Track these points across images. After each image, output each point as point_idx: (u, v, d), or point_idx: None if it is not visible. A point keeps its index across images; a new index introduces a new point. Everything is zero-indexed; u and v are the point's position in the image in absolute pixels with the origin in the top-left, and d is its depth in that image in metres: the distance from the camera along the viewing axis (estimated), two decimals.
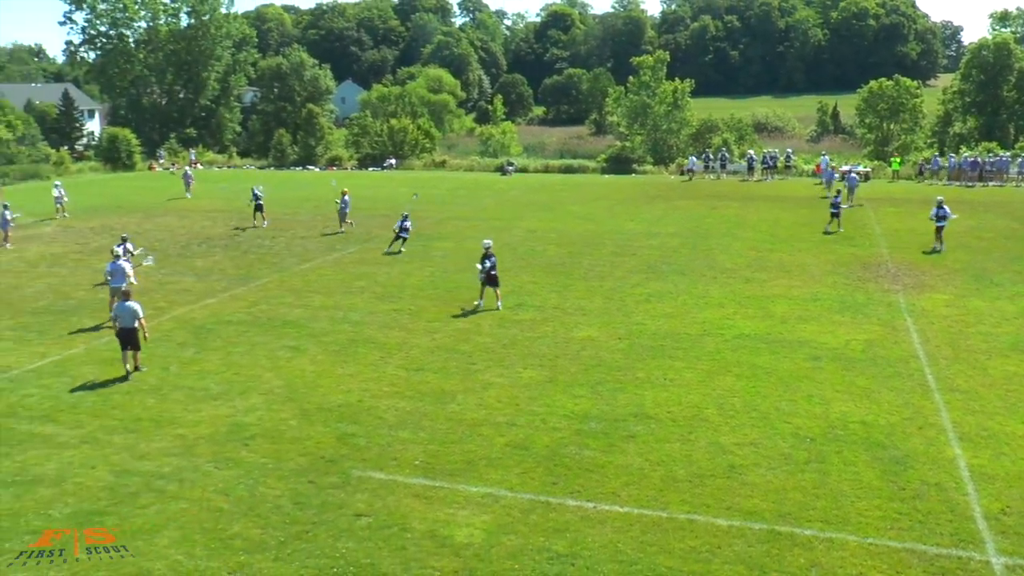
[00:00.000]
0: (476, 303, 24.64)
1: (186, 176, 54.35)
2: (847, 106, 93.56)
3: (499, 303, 24.42)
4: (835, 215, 37.00)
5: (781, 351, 20.48)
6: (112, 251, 25.73)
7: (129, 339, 19.13)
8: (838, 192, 40.47)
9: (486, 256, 24.07)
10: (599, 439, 15.60)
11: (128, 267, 23.80)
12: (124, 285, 21.48)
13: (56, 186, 46.93)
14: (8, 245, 36.56)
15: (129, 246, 26.70)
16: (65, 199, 45.42)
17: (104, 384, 18.92)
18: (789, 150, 66.20)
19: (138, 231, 39.58)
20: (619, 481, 13.99)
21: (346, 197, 39.49)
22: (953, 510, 12.93)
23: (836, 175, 53.42)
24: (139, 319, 18.96)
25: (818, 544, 12.03)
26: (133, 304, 19.06)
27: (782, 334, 21.85)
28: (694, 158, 64.44)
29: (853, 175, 49.40)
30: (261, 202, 40.93)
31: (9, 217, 37.30)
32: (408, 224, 33.92)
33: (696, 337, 21.66)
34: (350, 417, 16.79)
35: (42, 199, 47.23)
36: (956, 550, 11.86)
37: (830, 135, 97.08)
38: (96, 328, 23.34)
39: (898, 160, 62.29)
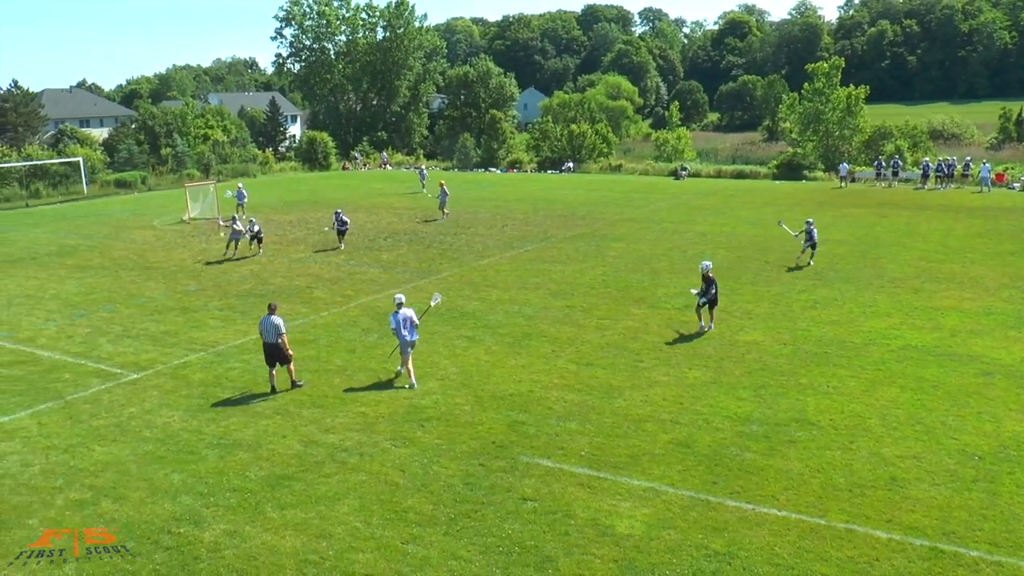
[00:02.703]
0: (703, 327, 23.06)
1: (421, 172, 58.42)
2: None
3: (711, 324, 22.99)
4: None
5: (950, 365, 19.91)
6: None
7: (274, 355, 18.54)
8: None
9: (706, 279, 22.70)
10: (760, 442, 15.75)
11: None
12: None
13: (239, 187, 47.90)
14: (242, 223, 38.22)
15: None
16: (246, 199, 46.84)
17: (295, 363, 20.34)
18: (968, 158, 63.06)
19: (330, 224, 42.03)
20: (778, 485, 14.09)
21: (445, 189, 43.49)
22: None
23: (990, 177, 54.81)
24: (281, 335, 18.38)
25: (985, 567, 11.71)
26: (276, 319, 18.42)
27: (951, 347, 21.21)
28: (845, 164, 62.43)
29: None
30: (344, 227, 37.66)
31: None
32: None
33: (861, 346, 21.36)
34: (521, 406, 17.55)
35: (249, 195, 50.28)
36: None
37: (1013, 143, 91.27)
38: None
39: None
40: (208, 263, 33.43)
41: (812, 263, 30.93)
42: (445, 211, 44.04)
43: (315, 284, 29.53)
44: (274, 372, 18.67)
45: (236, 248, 34.87)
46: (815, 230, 31.21)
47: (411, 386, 18.81)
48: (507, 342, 22.05)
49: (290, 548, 12.34)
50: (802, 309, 25.00)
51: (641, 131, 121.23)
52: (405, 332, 18.69)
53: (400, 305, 18.91)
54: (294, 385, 18.79)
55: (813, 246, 31.21)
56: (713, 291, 22.36)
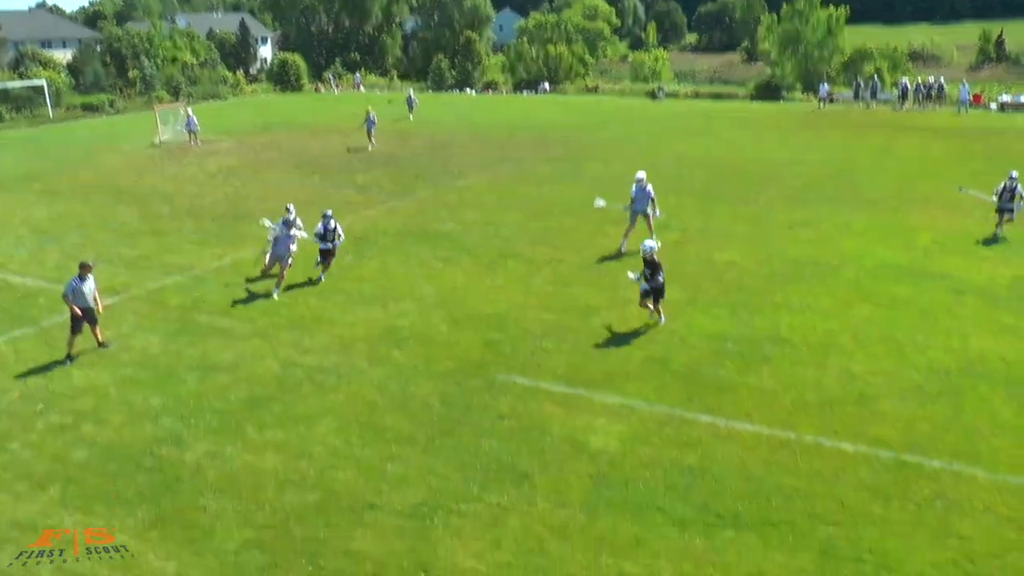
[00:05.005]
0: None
1: (410, 99, 55.42)
2: (1014, 32, 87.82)
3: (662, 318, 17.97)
4: None
5: (922, 283, 20.18)
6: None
7: (86, 318, 16.58)
8: None
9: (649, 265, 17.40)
10: (735, 359, 16.00)
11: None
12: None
13: (188, 114, 45.49)
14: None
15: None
16: (197, 127, 44.63)
17: (272, 285, 20.38)
18: (942, 79, 63.17)
19: (304, 147, 41.86)
20: (751, 401, 14.38)
21: (372, 116, 41.67)
22: None
23: (968, 98, 54.66)
24: (97, 298, 16.71)
25: (945, 476, 12.05)
26: (91, 281, 16.59)
27: (924, 266, 21.49)
28: (825, 85, 62.33)
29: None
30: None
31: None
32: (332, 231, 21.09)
33: (836, 265, 21.57)
34: (497, 326, 17.67)
35: (220, 117, 49.72)
36: None
37: (992, 64, 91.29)
38: None
39: None
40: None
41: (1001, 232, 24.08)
42: (372, 140, 41.78)
43: None
44: (77, 338, 16.58)
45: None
46: (1020, 187, 23.59)
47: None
48: (483, 263, 22.10)
49: (271, 467, 12.51)
50: (779, 229, 25.16)
51: (618, 52, 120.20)
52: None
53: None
54: (101, 345, 17.01)
55: (1011, 211, 23.77)
56: (660, 279, 17.33)
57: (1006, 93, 60.63)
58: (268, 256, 20.42)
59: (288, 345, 17.02)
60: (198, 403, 14.56)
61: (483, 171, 35.21)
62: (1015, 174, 23.28)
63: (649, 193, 22.62)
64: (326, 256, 20.71)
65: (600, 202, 23.73)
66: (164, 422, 13.92)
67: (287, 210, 20.25)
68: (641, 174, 23.08)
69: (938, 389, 14.74)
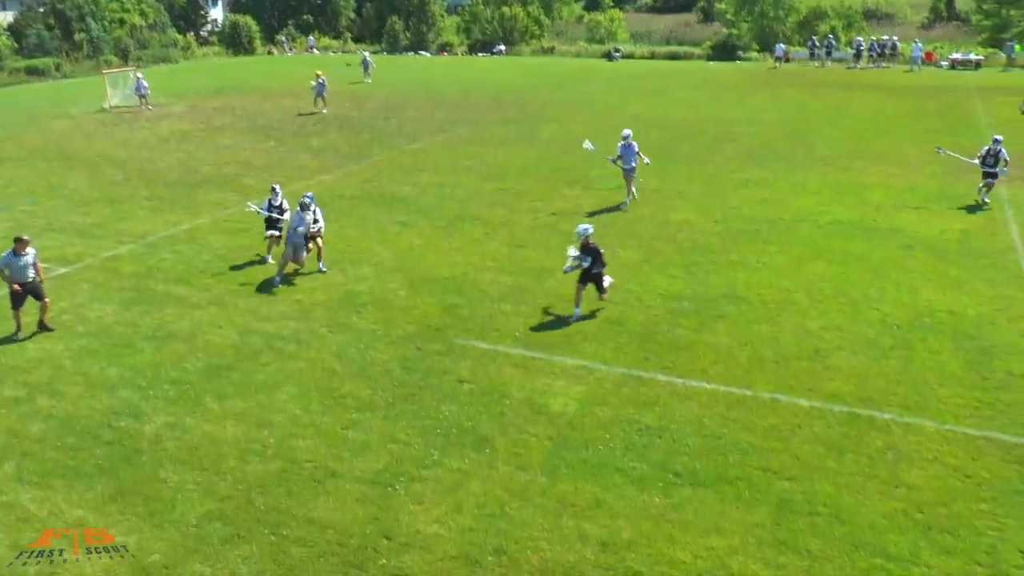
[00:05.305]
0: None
1: (365, 61, 54.79)
2: None
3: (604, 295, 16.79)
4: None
5: (874, 239, 20.53)
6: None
7: (30, 292, 16.02)
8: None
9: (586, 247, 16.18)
10: (691, 318, 16.16)
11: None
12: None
13: (138, 78, 45.14)
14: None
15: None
16: (147, 91, 44.07)
17: (228, 251, 20.33)
18: (895, 38, 63.77)
19: (258, 111, 41.38)
20: (708, 359, 14.54)
21: (321, 79, 40.90)
22: None
23: (921, 56, 56.62)
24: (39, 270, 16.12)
25: (896, 428, 12.33)
26: (31, 255, 15.91)
27: (876, 222, 21.84)
28: (781, 44, 62.74)
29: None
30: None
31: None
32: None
33: (791, 223, 21.84)
34: (455, 289, 17.69)
35: (171, 81, 48.83)
36: None
37: (943, 22, 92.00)
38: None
39: (1021, 47, 59.56)
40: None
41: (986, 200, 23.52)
42: (323, 104, 41.25)
43: (245, 171, 29.03)
44: (19, 313, 16.01)
45: None
46: (1004, 151, 22.98)
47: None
48: (440, 226, 22.05)
49: (231, 437, 12.45)
50: (734, 188, 25.36)
51: (574, 13, 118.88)
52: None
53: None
54: (44, 328, 16.32)
55: (994, 175, 23.08)
56: (597, 269, 16.12)
57: (956, 51, 61.53)
58: (283, 255, 18.49)
59: (246, 312, 16.91)
60: (155, 373, 14.43)
61: (438, 133, 35.05)
62: (999, 138, 23.14)
63: (635, 149, 23.12)
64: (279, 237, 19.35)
65: (588, 145, 24.13)
66: (121, 393, 13.79)
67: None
68: (627, 132, 23.56)
69: (890, 343, 15.04)
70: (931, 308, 16.47)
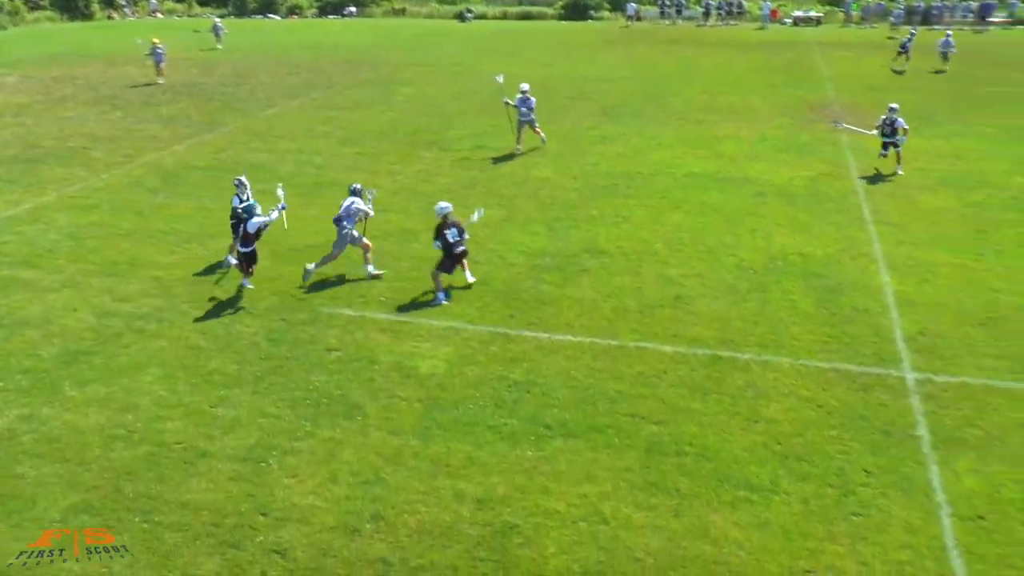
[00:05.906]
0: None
1: (216, 28, 52.34)
2: None
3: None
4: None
5: (728, 188, 21.29)
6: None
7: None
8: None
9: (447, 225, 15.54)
10: (554, 274, 16.40)
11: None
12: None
13: None
14: None
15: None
16: None
17: (78, 230, 19.41)
18: None
19: (101, 80, 39.57)
20: (573, 313, 14.81)
21: (158, 47, 39.04)
22: (877, 333, 13.95)
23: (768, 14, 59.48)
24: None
25: (755, 366, 12.93)
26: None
27: (730, 173, 22.64)
28: (632, 3, 63.94)
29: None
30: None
31: None
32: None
33: (648, 176, 22.37)
34: (318, 257, 17.28)
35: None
36: (877, 368, 12.87)
37: None
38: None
39: (856, 5, 62.37)
40: None
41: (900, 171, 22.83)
42: (162, 73, 39.12)
43: (92, 144, 27.66)
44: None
45: None
46: (900, 119, 22.53)
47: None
48: (299, 192, 21.59)
49: (94, 424, 11.96)
50: (590, 144, 25.73)
51: None
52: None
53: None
54: None
55: (895, 144, 22.65)
56: (461, 247, 15.52)
57: (798, 9, 63.90)
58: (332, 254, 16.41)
59: (102, 293, 16.22)
60: (6, 363, 13.70)
61: (292, 98, 34.31)
62: (895, 106, 22.84)
63: (532, 103, 24.28)
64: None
65: (500, 78, 25.50)
66: None
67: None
68: (525, 86, 24.58)
69: (747, 287, 15.68)
70: (783, 251, 17.23)
